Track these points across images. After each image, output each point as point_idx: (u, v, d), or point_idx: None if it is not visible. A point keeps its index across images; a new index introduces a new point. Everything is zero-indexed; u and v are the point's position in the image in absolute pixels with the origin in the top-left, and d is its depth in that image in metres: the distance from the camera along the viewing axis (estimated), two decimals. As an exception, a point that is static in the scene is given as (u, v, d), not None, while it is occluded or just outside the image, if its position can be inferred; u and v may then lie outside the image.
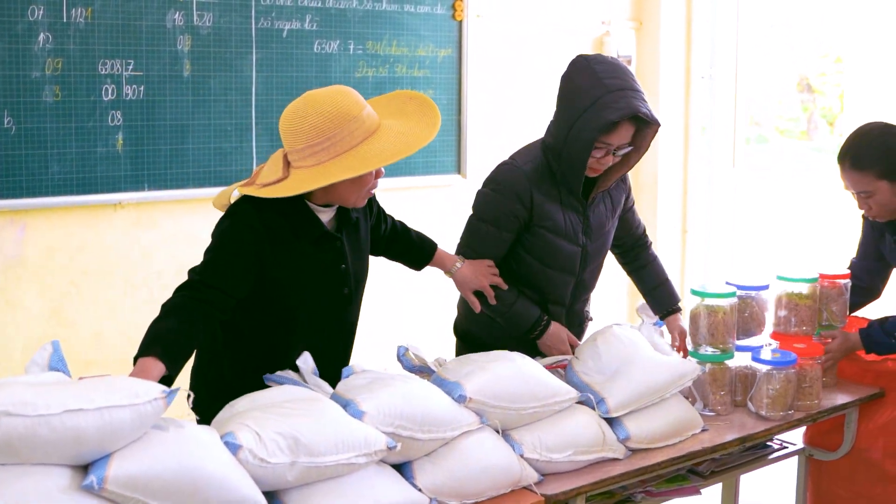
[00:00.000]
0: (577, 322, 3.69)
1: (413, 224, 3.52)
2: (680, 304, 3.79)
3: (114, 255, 4.85)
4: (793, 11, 7.44)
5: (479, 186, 3.56)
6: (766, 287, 3.69)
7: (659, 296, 3.76)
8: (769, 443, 3.62)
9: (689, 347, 3.48)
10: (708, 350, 3.42)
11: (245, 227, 2.85)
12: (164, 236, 4.98)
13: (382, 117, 2.88)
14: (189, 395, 2.49)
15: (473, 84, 5.83)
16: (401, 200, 3.21)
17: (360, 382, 2.70)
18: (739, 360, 3.49)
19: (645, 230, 3.83)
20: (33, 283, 4.65)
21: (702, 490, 3.33)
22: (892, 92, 6.18)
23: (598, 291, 3.81)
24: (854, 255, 3.92)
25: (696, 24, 6.85)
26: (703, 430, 3.25)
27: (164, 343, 2.63)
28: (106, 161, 4.67)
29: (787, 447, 3.68)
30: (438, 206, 5.65)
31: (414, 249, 3.45)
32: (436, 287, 3.73)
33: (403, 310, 5.55)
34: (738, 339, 3.53)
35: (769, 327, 3.71)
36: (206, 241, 4.98)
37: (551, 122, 3.44)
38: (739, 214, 7.17)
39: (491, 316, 3.54)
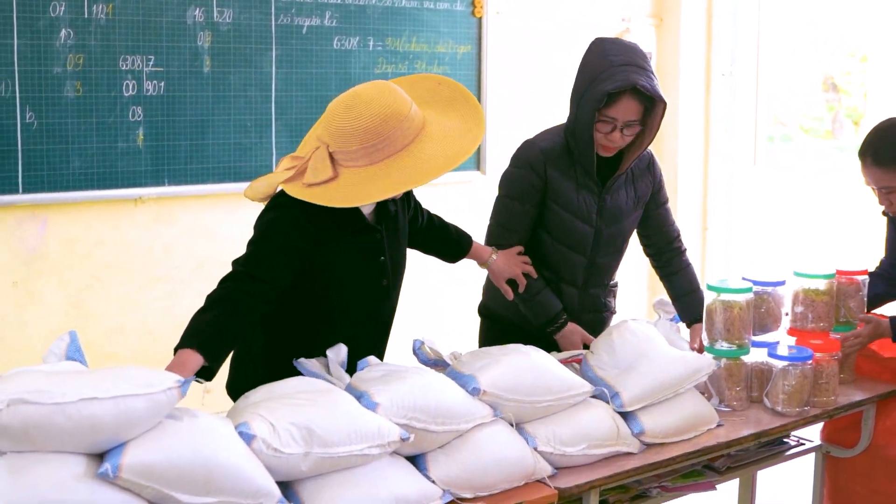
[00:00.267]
0: (592, 307, 3.69)
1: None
2: None
3: (134, 249, 4.89)
4: (817, 9, 7.40)
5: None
6: (783, 283, 3.68)
7: (688, 303, 3.73)
8: (785, 439, 3.61)
9: (705, 342, 3.47)
10: (724, 345, 3.41)
11: (289, 218, 2.86)
12: (184, 231, 5.01)
13: (420, 107, 2.85)
14: (204, 387, 2.50)
15: (493, 81, 5.84)
16: (421, 197, 3.21)
17: (375, 374, 2.71)
18: (755, 356, 3.48)
19: (679, 235, 3.82)
20: (54, 276, 4.69)
21: (718, 486, 3.31)
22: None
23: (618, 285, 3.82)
24: (883, 255, 3.91)
25: (717, 20, 6.84)
26: (718, 426, 3.24)
27: (204, 336, 2.64)
28: (126, 156, 4.70)
29: (803, 444, 3.66)
30: (458, 203, 5.65)
31: (451, 243, 3.48)
32: (458, 269, 3.75)
33: (426, 294, 5.54)
34: (754, 334, 3.52)
35: (786, 323, 3.70)
36: (226, 236, 5.04)
37: None
38: (760, 212, 7.15)
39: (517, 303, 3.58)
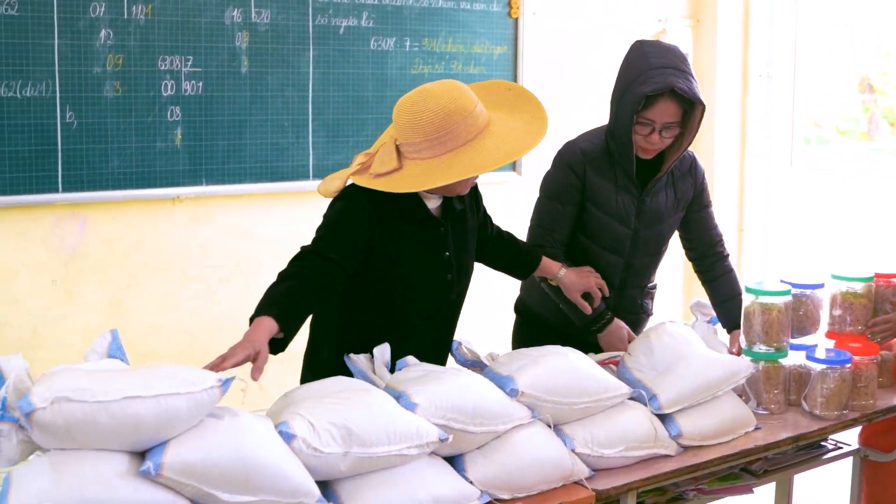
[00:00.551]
0: (628, 309, 3.69)
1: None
2: None
3: (171, 248, 4.92)
4: (853, 10, 7.34)
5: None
6: (821, 286, 3.66)
7: (729, 309, 3.70)
8: (823, 443, 3.59)
9: (743, 345, 3.46)
10: (762, 348, 3.40)
11: (356, 206, 2.94)
12: (221, 231, 5.04)
13: (488, 109, 2.94)
14: (244, 386, 2.52)
15: (529, 81, 5.83)
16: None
17: (413, 375, 2.72)
18: (793, 359, 3.47)
19: (722, 240, 3.80)
20: (93, 275, 4.73)
21: (755, 489, 3.31)
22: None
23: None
24: None
25: (754, 21, 6.80)
26: (756, 429, 3.24)
27: (278, 305, 2.69)
28: (165, 156, 4.73)
29: (841, 447, 3.64)
30: (494, 204, 5.60)
31: (521, 257, 3.49)
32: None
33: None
34: (792, 337, 3.51)
35: (824, 326, 3.68)
36: (262, 235, 5.07)
37: None
38: (797, 214, 7.10)
39: (558, 303, 3.58)
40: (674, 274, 4.14)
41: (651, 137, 3.38)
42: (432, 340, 3.13)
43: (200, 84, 4.79)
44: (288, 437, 2.34)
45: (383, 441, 2.43)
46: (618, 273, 3.60)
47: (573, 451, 2.79)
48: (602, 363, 3.17)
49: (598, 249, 3.57)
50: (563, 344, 3.09)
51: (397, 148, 2.89)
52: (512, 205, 5.10)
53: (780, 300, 3.40)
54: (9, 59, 4.31)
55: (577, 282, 3.48)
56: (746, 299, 3.44)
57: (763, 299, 3.39)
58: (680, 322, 3.34)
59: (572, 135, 3.62)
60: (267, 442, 2.29)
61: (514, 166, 5.82)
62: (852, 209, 7.17)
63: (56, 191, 4.49)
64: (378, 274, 2.99)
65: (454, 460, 2.65)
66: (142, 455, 2.21)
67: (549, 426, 2.79)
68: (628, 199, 3.52)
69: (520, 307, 3.83)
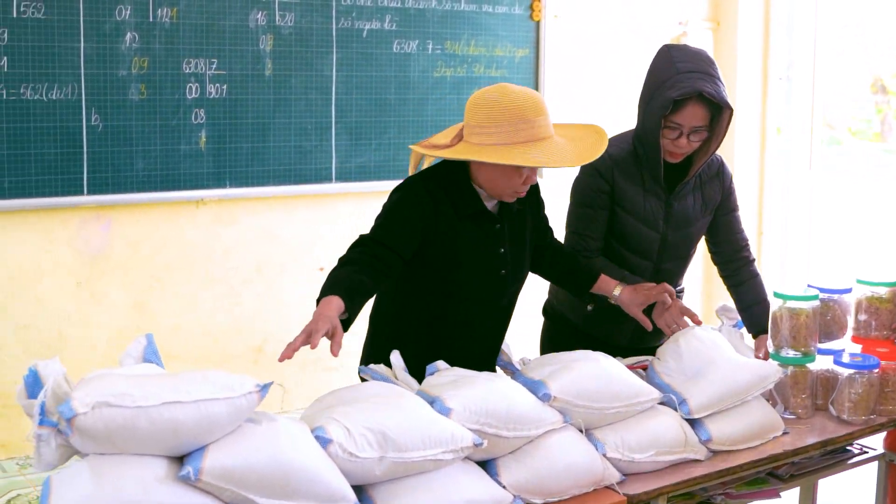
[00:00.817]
0: None
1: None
2: None
3: (195, 250, 4.94)
4: (867, 11, 7.34)
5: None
6: (849, 290, 3.66)
7: (755, 314, 3.70)
8: (849, 447, 3.59)
9: (770, 350, 3.46)
10: (789, 353, 3.39)
11: (413, 196, 3.02)
12: (245, 233, 5.06)
13: (559, 135, 3.00)
14: (282, 388, 2.54)
15: (550, 84, 5.84)
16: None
17: (446, 380, 2.73)
18: (821, 364, 3.47)
19: (748, 245, 3.80)
20: (117, 276, 4.75)
21: (781, 493, 3.31)
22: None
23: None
24: None
25: (774, 24, 6.80)
26: (783, 433, 3.24)
27: (342, 285, 2.76)
28: (189, 158, 4.75)
29: (867, 452, 3.63)
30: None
31: (579, 272, 3.48)
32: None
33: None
34: (819, 342, 3.50)
35: (850, 331, 3.68)
36: (285, 238, 5.09)
37: None
38: (816, 216, 7.10)
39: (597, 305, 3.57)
40: (694, 278, 4.13)
41: (679, 142, 3.38)
42: (485, 333, 3.18)
43: (225, 87, 4.81)
44: (324, 442, 2.34)
45: (418, 446, 2.43)
46: (647, 277, 3.60)
47: (604, 455, 2.80)
48: (631, 367, 3.17)
49: (627, 253, 3.57)
50: (591, 347, 3.11)
51: (461, 130, 2.99)
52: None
53: (807, 305, 3.39)
54: (35, 62, 4.34)
55: (633, 298, 3.41)
56: (774, 304, 3.44)
57: (791, 304, 3.39)
58: (708, 326, 3.34)
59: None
60: (304, 447, 2.30)
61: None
62: (868, 211, 7.16)
63: (81, 193, 4.51)
64: (434, 264, 3.04)
65: (487, 465, 2.66)
66: (180, 460, 2.23)
67: (581, 431, 2.80)
68: (656, 203, 3.52)
69: (548, 310, 3.83)
